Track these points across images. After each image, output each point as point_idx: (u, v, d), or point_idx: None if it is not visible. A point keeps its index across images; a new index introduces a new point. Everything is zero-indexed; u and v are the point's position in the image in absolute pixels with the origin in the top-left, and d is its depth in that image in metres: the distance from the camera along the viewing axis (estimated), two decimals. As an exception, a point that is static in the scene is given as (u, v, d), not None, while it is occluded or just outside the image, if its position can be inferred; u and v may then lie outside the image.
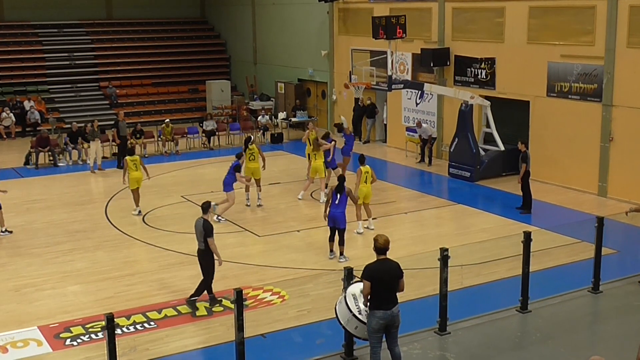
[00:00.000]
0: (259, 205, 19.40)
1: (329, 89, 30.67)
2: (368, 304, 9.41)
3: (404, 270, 9.43)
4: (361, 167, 17.04)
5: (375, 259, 9.45)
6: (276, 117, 31.21)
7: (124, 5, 38.30)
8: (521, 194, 18.64)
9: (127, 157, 18.90)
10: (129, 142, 24.96)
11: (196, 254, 12.88)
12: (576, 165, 20.58)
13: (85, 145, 25.39)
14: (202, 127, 28.64)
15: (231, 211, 18.27)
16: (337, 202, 15.03)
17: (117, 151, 24.96)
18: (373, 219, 17.34)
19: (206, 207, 12.92)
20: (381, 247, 9.44)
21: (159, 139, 27.23)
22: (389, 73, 21.23)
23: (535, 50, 21.38)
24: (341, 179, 15.49)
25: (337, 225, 15.07)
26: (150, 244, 16.50)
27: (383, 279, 9.29)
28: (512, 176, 21.87)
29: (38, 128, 29.09)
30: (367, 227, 17.07)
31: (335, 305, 9.88)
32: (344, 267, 10.24)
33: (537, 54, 21.31)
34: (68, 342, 11.63)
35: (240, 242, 16.60)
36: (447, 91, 23.08)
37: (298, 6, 32.01)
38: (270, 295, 13.31)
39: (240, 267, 14.90)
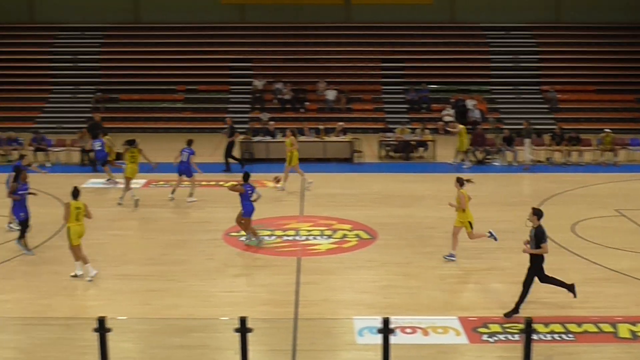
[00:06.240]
0: None
1: None
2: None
3: None
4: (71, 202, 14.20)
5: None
6: None
7: (574, 7, 37.50)
8: None
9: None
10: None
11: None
12: None
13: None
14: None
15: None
16: None
17: None
18: None
19: None
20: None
21: (597, 147, 26.24)
22: None
23: None
24: None
25: None
26: (577, 255, 15.93)
27: None
28: None
29: (477, 126, 30.04)
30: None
31: None
32: None
33: None
34: (485, 337, 11.80)
35: None
36: None
37: None
38: None
39: None
